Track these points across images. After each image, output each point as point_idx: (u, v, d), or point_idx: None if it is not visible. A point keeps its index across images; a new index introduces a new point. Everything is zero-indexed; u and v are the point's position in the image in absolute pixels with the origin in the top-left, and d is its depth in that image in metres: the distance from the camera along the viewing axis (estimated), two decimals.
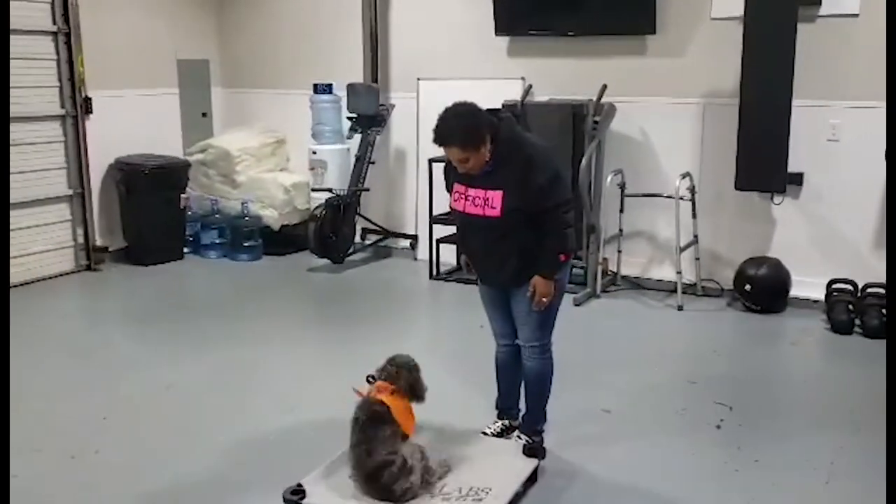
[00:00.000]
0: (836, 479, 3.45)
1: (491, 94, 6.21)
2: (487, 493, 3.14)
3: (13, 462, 3.54)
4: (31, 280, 6.44)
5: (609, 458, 3.64)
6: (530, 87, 6.31)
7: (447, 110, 3.35)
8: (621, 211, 6.15)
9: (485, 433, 3.74)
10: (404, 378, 3.22)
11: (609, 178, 6.00)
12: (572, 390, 4.34)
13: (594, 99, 5.86)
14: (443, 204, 6.60)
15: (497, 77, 6.45)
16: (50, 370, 4.71)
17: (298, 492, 3.07)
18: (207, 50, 7.84)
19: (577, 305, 5.84)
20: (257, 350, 5.04)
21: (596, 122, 5.87)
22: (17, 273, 6.34)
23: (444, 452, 3.32)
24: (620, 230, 6.20)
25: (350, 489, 3.13)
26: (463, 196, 3.39)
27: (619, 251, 6.25)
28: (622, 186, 6.09)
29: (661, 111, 6.03)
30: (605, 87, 5.84)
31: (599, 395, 4.30)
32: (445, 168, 3.60)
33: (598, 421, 4.04)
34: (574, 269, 6.07)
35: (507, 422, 3.84)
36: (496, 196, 3.28)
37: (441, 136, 3.29)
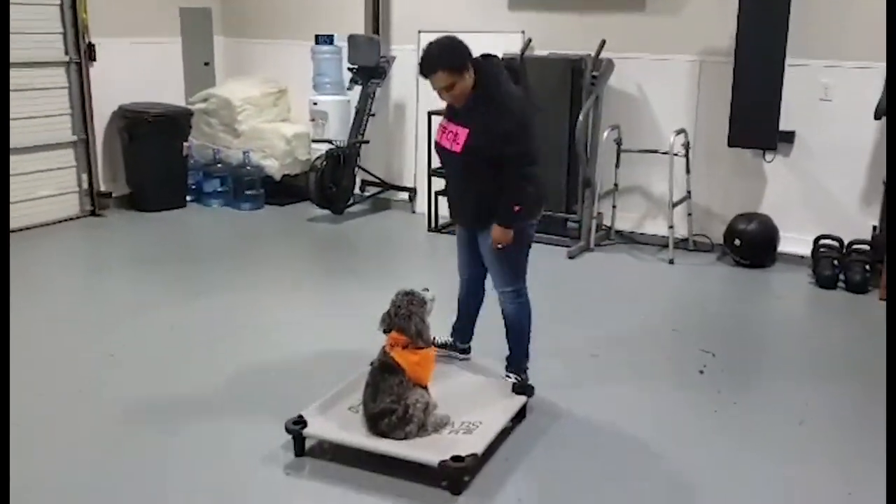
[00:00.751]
0: (810, 421, 3.63)
1: (491, 48, 6.24)
2: (478, 426, 3.31)
3: (22, 397, 3.73)
4: (36, 224, 6.56)
5: (594, 399, 3.81)
6: (530, 41, 6.37)
7: (430, 43, 3.44)
8: (617, 166, 6.26)
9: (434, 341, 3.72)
10: (415, 326, 3.28)
11: (605, 134, 6.10)
12: (562, 336, 4.54)
13: (592, 54, 5.93)
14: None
15: (497, 31, 6.50)
16: (55, 311, 4.87)
17: (300, 422, 3.24)
18: None
19: (570, 258, 5.98)
20: (257, 294, 5.19)
21: (594, 78, 5.95)
22: (22, 217, 6.46)
23: (443, 391, 3.47)
24: (616, 185, 6.32)
25: (347, 420, 3.30)
26: (443, 129, 3.54)
27: (614, 206, 6.38)
28: (618, 142, 6.20)
29: (658, 68, 6.11)
30: (603, 42, 5.91)
31: (588, 342, 4.47)
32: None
33: (585, 365, 4.21)
34: (568, 223, 6.25)
35: (452, 340, 4.05)
36: (463, 133, 3.42)
37: (427, 63, 3.38)
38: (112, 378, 3.97)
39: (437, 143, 3.60)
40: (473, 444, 3.13)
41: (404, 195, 7.34)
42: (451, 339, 4.08)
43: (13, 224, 6.37)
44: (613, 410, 3.72)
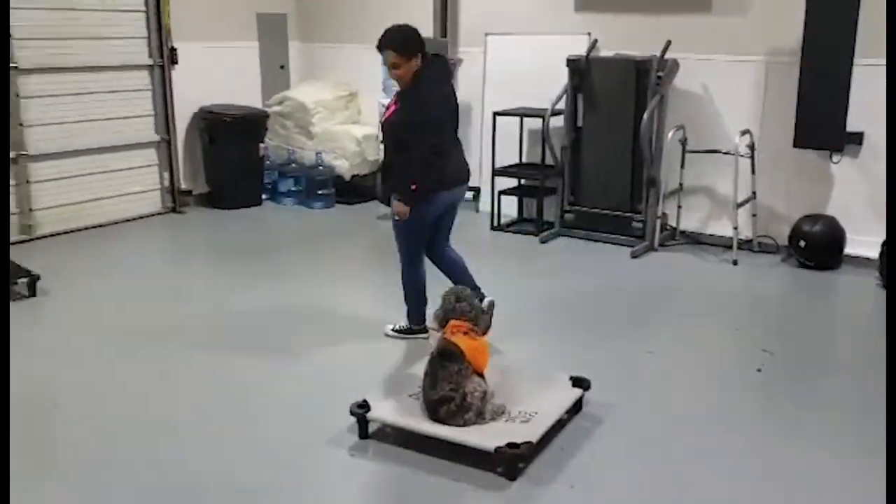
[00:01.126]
0: (867, 422, 3.62)
1: (556, 50, 6.41)
2: (534, 415, 3.43)
3: (109, 377, 4.01)
4: (122, 219, 6.97)
5: (649, 394, 3.88)
6: (595, 42, 6.44)
7: (394, 25, 4.04)
8: (682, 166, 6.27)
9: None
10: (478, 314, 3.50)
11: (670, 134, 6.12)
12: (621, 332, 4.62)
13: (658, 55, 5.97)
14: (505, 157, 6.85)
15: (564, 33, 6.60)
16: (136, 298, 5.18)
17: (364, 406, 3.42)
18: (285, 4, 8.16)
19: (634, 258, 6.03)
20: (327, 286, 5.43)
21: (659, 78, 5.99)
22: (111, 212, 6.89)
23: (502, 383, 3.61)
24: (681, 185, 6.33)
25: (409, 407, 3.47)
26: (389, 106, 4.12)
27: (679, 206, 6.39)
28: (683, 142, 6.21)
29: (724, 68, 6.10)
30: (668, 42, 5.94)
31: (646, 339, 4.53)
32: None
33: (642, 361, 4.28)
34: (633, 223, 6.30)
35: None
36: (392, 109, 4.03)
37: (384, 39, 3.95)
38: (191, 357, 4.23)
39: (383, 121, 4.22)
40: (529, 433, 3.25)
41: (468, 194, 7.46)
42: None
43: (104, 218, 6.82)
44: (668, 406, 3.78)
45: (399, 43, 3.94)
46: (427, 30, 7.23)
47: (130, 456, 3.31)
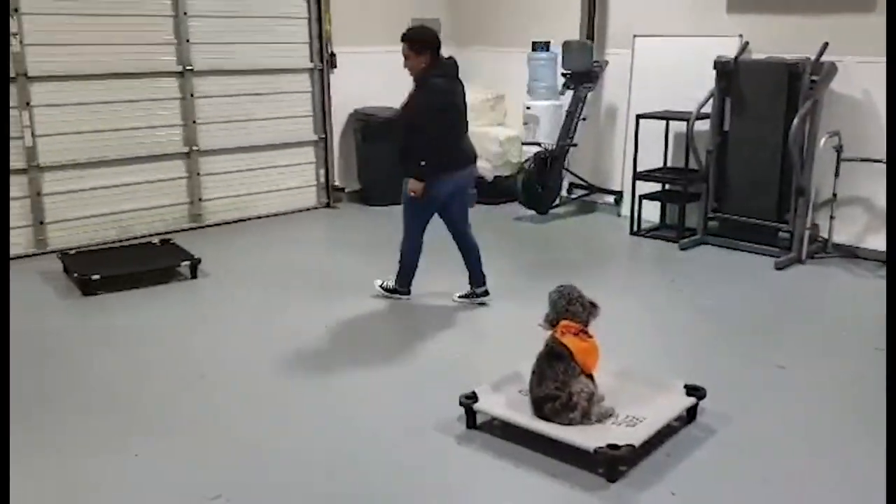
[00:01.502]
0: None
1: (705, 52, 6.25)
2: (641, 420, 3.41)
3: (255, 355, 4.37)
4: (281, 212, 7.50)
5: (772, 410, 3.74)
6: (747, 43, 6.21)
7: (418, 24, 5.01)
8: (836, 175, 5.92)
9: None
10: (589, 315, 3.53)
11: (823, 141, 5.80)
12: (753, 344, 4.48)
13: (812, 57, 5.67)
14: (648, 161, 6.75)
15: (714, 34, 6.41)
16: (289, 285, 5.57)
17: (472, 397, 3.54)
18: (439, 9, 8.43)
19: (778, 269, 5.77)
20: (458, 283, 5.57)
21: (813, 82, 5.70)
22: (270, 205, 7.43)
23: (615, 386, 3.63)
24: (834, 195, 5.98)
25: (516, 401, 3.55)
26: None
27: (832, 217, 6.04)
28: (838, 149, 5.86)
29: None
30: (825, 45, 5.64)
31: (779, 352, 4.36)
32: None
33: (771, 375, 4.12)
34: (779, 233, 6.03)
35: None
36: (407, 97, 4.75)
37: (405, 33, 4.76)
38: (325, 340, 4.52)
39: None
40: (632, 436, 3.25)
41: (610, 198, 7.42)
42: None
43: (265, 210, 7.36)
44: (788, 423, 3.63)
45: (413, 39, 4.70)
46: (574, 32, 7.26)
47: (257, 427, 3.61)
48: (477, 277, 5.12)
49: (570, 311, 3.51)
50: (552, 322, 3.52)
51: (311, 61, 7.51)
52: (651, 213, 6.85)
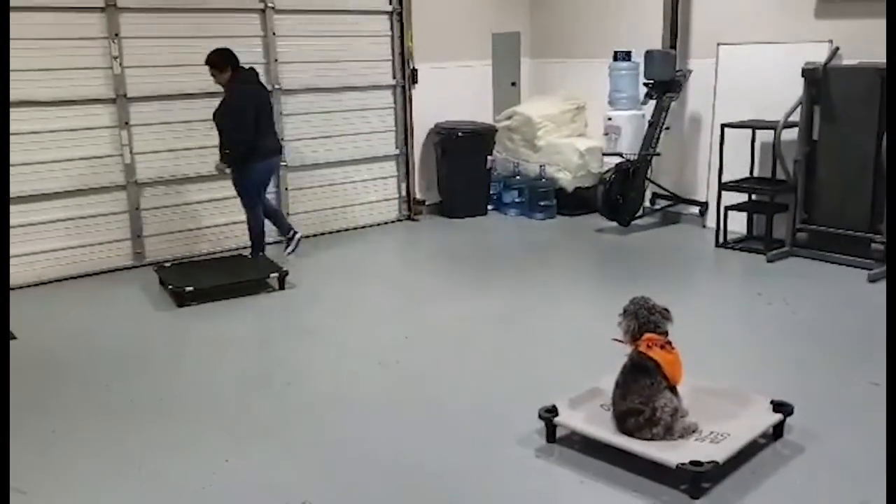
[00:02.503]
0: None
1: (792, 59, 6.10)
2: (725, 437, 3.35)
3: (340, 364, 4.49)
4: (364, 225, 7.67)
5: (860, 429, 3.62)
6: (837, 49, 6.03)
7: (215, 48, 5.94)
8: None
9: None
10: (667, 323, 3.48)
11: None
12: (845, 360, 4.35)
13: None
14: (734, 171, 6.62)
15: (801, 40, 6.25)
16: (372, 296, 5.71)
17: (552, 411, 3.55)
18: (519, 23, 8.48)
19: (871, 282, 5.57)
20: (540, 292, 5.62)
21: None
22: (354, 218, 7.62)
23: (699, 401, 3.57)
24: None
25: (597, 416, 3.54)
26: None
27: None
28: None
29: None
30: None
31: (872, 369, 4.20)
32: None
33: (861, 392, 3.99)
34: (872, 244, 5.83)
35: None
36: (219, 103, 5.98)
37: (207, 57, 5.87)
38: (405, 357, 4.60)
39: None
40: (716, 453, 3.20)
41: (695, 209, 7.30)
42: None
43: (349, 223, 7.57)
44: (881, 442, 3.50)
45: (214, 61, 5.87)
46: (656, 42, 7.19)
47: (341, 434, 3.71)
48: (284, 228, 6.50)
49: (652, 322, 3.47)
50: (634, 335, 3.49)
51: (394, 78, 7.67)
52: (737, 224, 6.70)
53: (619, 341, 3.52)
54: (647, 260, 6.55)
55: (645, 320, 3.49)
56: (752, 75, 6.62)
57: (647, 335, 3.44)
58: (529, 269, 6.32)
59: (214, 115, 6.03)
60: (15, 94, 5.78)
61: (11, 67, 5.70)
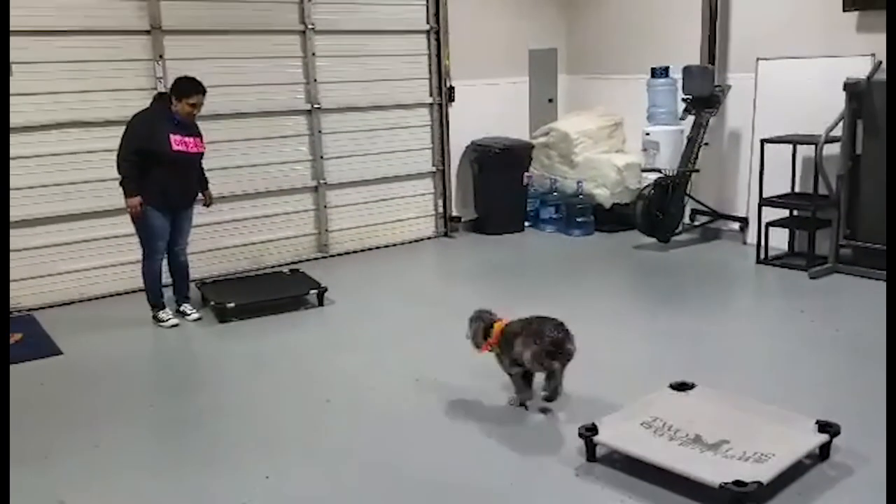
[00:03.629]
0: None
1: (833, 73, 6.03)
2: (770, 457, 3.30)
3: (378, 380, 4.51)
4: (401, 242, 7.71)
5: None
6: (880, 63, 5.93)
7: (189, 77, 5.27)
8: None
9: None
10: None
11: None
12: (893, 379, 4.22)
13: None
14: (774, 186, 6.53)
15: (843, 54, 6.17)
16: (409, 313, 5.73)
17: (592, 429, 3.53)
18: (556, 39, 8.50)
19: None
20: (576, 312, 5.50)
21: None
22: (391, 235, 7.67)
23: (744, 421, 3.56)
24: None
25: (637, 434, 3.51)
26: (180, 141, 5.21)
27: None
28: None
29: None
30: None
31: None
32: (147, 129, 5.18)
33: None
34: None
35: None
36: (196, 140, 5.35)
37: (202, 87, 5.22)
38: (442, 371, 4.61)
39: (177, 152, 5.19)
40: (760, 473, 3.15)
41: (735, 225, 7.22)
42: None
43: (386, 240, 7.62)
44: None
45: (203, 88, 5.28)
46: (694, 57, 7.15)
47: (380, 449, 3.72)
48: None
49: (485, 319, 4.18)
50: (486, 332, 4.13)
51: (431, 95, 7.73)
52: (778, 240, 6.61)
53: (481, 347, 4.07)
54: (687, 277, 6.48)
55: (488, 319, 4.17)
56: (792, 90, 6.55)
57: (497, 323, 4.09)
58: (567, 285, 6.29)
59: (200, 153, 5.51)
60: (62, 115, 5.95)
61: (57, 89, 5.90)
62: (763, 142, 6.48)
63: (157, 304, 5.54)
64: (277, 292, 5.95)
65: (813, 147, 6.08)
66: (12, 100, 5.73)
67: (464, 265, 7.24)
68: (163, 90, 5.57)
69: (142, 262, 5.49)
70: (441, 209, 7.96)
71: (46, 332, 5.44)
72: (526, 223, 8.05)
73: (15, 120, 5.77)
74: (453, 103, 7.78)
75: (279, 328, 5.47)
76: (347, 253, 7.39)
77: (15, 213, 5.85)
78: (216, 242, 6.75)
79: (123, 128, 5.24)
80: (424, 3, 7.56)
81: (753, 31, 6.91)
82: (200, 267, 6.66)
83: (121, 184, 5.27)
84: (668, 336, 5.05)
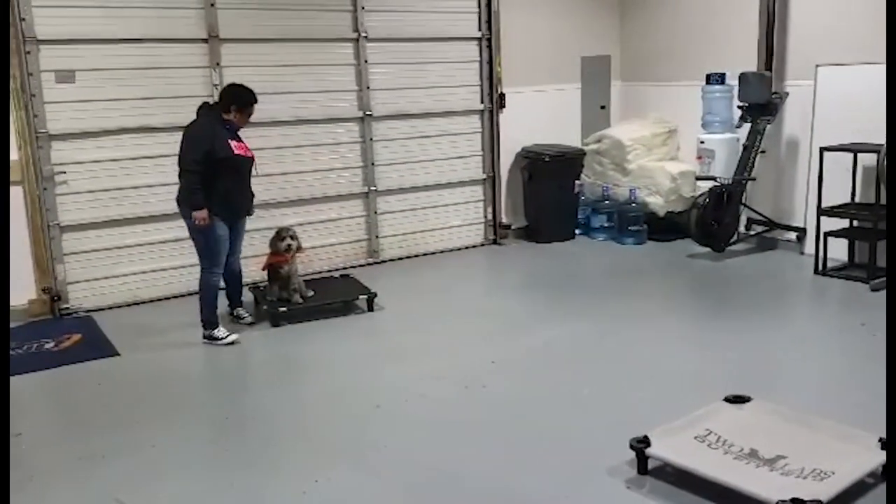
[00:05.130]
0: None
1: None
2: (829, 476, 3.20)
3: (426, 387, 4.51)
4: (449, 249, 7.71)
5: None
6: None
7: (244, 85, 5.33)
8: None
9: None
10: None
11: None
12: None
13: None
14: (833, 196, 6.36)
15: None
16: (458, 320, 5.72)
17: (644, 441, 3.47)
18: (609, 47, 8.43)
19: None
20: (628, 320, 5.50)
21: None
22: (440, 242, 7.67)
23: (803, 438, 3.48)
24: None
25: (690, 448, 3.44)
26: (238, 146, 5.24)
27: None
28: None
29: None
30: None
31: None
32: (209, 136, 5.11)
33: None
34: None
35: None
36: (245, 146, 5.37)
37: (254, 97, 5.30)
38: (491, 381, 4.58)
39: (238, 156, 5.21)
40: (820, 491, 3.06)
41: (792, 235, 7.05)
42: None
43: (435, 247, 7.62)
44: None
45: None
46: (751, 64, 7.02)
47: (428, 456, 3.72)
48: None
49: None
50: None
51: (482, 102, 7.72)
52: (838, 251, 6.43)
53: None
54: (743, 287, 6.34)
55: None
56: (852, 97, 6.37)
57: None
58: (619, 294, 6.21)
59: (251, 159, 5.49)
60: (124, 121, 6.11)
61: (117, 96, 6.06)
62: (822, 150, 6.31)
63: (213, 321, 5.32)
64: (329, 297, 5.99)
65: (874, 155, 5.91)
66: (73, 106, 5.92)
67: (513, 273, 7.20)
68: (209, 100, 5.56)
69: (201, 277, 5.30)
70: (490, 216, 7.94)
71: (104, 333, 5.57)
72: (577, 231, 7.98)
73: (75, 125, 5.95)
74: (504, 110, 7.76)
75: (330, 332, 5.51)
76: (397, 259, 7.41)
77: (73, 216, 6.03)
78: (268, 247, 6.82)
79: (180, 134, 5.26)
80: (476, 10, 7.56)
81: (812, 38, 6.74)
82: (255, 271, 6.74)
83: (184, 197, 5.18)
84: (722, 348, 4.94)
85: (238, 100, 5.23)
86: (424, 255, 7.55)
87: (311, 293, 5.89)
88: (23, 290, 5.87)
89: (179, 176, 5.18)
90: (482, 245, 7.91)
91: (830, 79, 6.54)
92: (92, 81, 5.97)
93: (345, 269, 6.94)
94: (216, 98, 5.59)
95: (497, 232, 7.94)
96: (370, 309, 5.88)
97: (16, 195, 5.76)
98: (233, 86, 5.36)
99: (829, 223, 6.35)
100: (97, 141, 6.07)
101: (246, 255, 6.59)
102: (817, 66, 6.61)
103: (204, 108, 5.34)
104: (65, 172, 5.98)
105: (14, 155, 5.71)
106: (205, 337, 5.31)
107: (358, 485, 3.52)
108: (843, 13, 6.50)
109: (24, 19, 5.67)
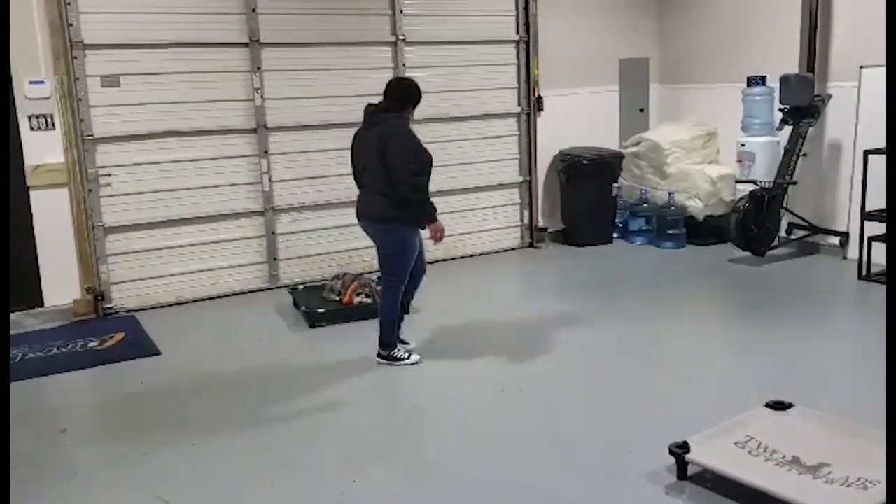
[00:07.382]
0: None
1: None
2: (874, 484, 3.14)
3: (462, 389, 4.51)
4: (486, 252, 7.70)
5: None
6: None
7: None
8: None
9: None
10: None
11: None
12: None
13: None
14: (878, 199, 6.24)
15: None
16: (494, 323, 5.71)
17: (683, 447, 3.43)
18: (648, 49, 8.36)
19: None
20: (667, 324, 5.46)
21: None
22: (477, 245, 7.68)
23: (848, 446, 3.43)
24: None
25: (731, 453, 3.40)
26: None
27: None
28: None
29: None
30: None
31: None
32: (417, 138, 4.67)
33: None
34: None
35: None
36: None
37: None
38: (526, 384, 4.57)
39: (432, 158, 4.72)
40: (865, 500, 3.01)
41: (835, 239, 6.92)
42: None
43: (472, 250, 7.63)
44: None
45: None
46: (792, 66, 6.92)
47: (465, 458, 3.72)
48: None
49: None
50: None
51: (519, 105, 7.72)
52: (882, 255, 6.30)
53: None
54: (784, 292, 6.24)
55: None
56: None
57: None
58: (657, 299, 6.16)
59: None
60: (167, 124, 6.22)
61: (163, 100, 6.16)
62: (867, 153, 6.19)
63: (392, 343, 4.90)
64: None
65: None
66: (118, 109, 6.05)
67: (550, 277, 7.17)
68: (373, 101, 4.79)
69: (385, 295, 4.84)
70: (527, 220, 7.93)
71: (146, 332, 5.67)
72: (614, 235, 7.92)
73: (119, 129, 6.07)
74: (541, 113, 7.74)
75: (366, 334, 5.52)
76: (433, 262, 7.41)
77: (117, 218, 6.16)
78: (306, 250, 6.90)
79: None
80: (514, 13, 7.56)
81: (856, 39, 6.62)
82: (292, 273, 6.83)
83: (417, 211, 4.68)
84: (763, 354, 4.88)
85: (417, 96, 4.79)
86: (462, 257, 7.56)
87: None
88: (68, 290, 6.01)
89: (386, 187, 4.60)
90: (519, 248, 7.89)
91: (875, 80, 6.42)
92: (136, 86, 6.09)
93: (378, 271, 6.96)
94: (384, 97, 4.77)
95: (534, 235, 7.92)
96: (406, 311, 5.88)
97: (62, 197, 5.91)
98: (405, 81, 4.93)
99: (874, 227, 6.23)
100: (141, 144, 6.18)
101: (286, 256, 6.70)
102: (861, 67, 6.49)
103: (380, 110, 4.68)
104: (109, 175, 6.10)
105: (60, 157, 5.86)
106: (384, 357, 4.89)
107: (395, 486, 3.54)
108: (884, 17, 6.36)
109: (71, 24, 5.80)
